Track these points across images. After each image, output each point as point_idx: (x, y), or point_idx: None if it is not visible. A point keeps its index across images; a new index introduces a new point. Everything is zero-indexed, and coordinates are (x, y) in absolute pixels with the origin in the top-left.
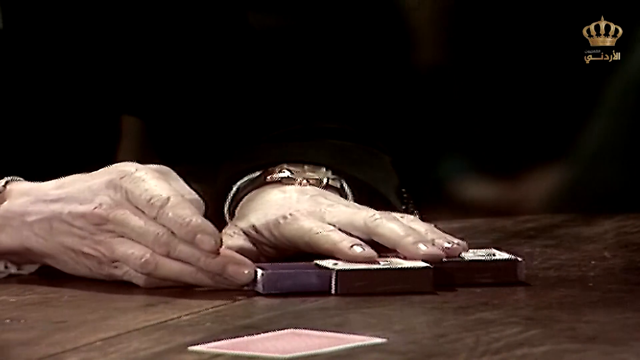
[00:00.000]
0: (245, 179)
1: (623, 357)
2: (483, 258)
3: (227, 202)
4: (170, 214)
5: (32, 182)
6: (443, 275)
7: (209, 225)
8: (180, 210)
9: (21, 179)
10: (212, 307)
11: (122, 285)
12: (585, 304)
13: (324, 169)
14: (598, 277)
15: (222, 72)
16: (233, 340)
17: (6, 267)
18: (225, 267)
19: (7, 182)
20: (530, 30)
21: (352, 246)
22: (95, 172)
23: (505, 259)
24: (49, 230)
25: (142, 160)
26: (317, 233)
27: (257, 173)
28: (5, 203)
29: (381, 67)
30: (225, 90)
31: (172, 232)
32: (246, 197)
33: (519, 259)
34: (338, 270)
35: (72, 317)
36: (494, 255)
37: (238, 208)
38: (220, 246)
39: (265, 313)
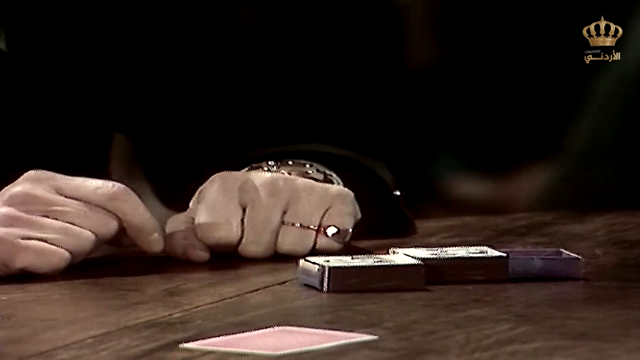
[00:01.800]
0: None
1: (614, 354)
2: (474, 255)
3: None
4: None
5: None
6: (434, 272)
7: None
8: None
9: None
10: (203, 305)
11: (113, 283)
12: (576, 301)
13: (308, 165)
14: (589, 274)
15: (211, 85)
16: (224, 337)
17: None
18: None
19: None
20: (530, 30)
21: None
22: None
23: (496, 256)
24: None
25: (130, 177)
26: None
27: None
28: None
29: (374, 65)
30: (214, 102)
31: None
32: None
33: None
34: (330, 267)
35: (63, 315)
36: (485, 252)
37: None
38: None
39: (256, 310)
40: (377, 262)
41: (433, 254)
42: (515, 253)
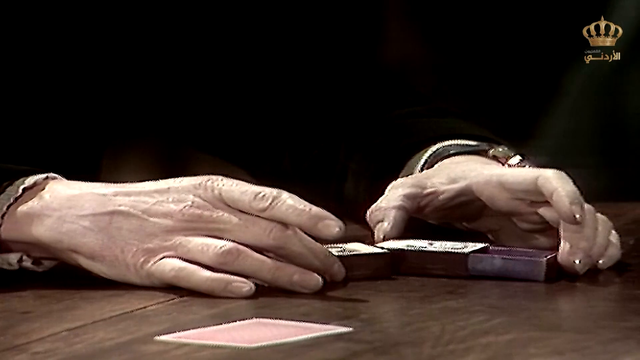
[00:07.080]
0: (444, 144)
1: (588, 345)
2: (436, 249)
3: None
4: (289, 201)
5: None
6: (396, 262)
7: (329, 213)
8: (297, 200)
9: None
10: (178, 297)
11: (87, 275)
12: (551, 293)
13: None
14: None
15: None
16: (199, 330)
17: (20, 259)
18: (333, 266)
19: (47, 177)
20: (530, 30)
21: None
22: (168, 179)
23: (455, 252)
24: (107, 224)
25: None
26: None
27: (468, 142)
28: (47, 195)
29: (371, 51)
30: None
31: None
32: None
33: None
34: None
35: (38, 308)
36: (463, 247)
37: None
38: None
39: (231, 303)
40: (340, 252)
41: (407, 245)
42: (492, 251)
